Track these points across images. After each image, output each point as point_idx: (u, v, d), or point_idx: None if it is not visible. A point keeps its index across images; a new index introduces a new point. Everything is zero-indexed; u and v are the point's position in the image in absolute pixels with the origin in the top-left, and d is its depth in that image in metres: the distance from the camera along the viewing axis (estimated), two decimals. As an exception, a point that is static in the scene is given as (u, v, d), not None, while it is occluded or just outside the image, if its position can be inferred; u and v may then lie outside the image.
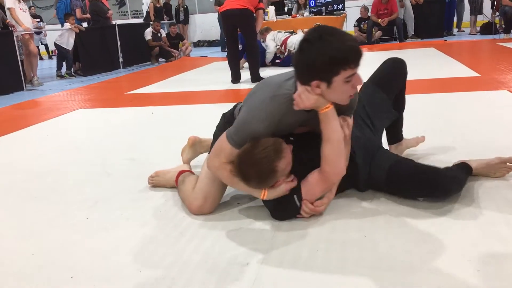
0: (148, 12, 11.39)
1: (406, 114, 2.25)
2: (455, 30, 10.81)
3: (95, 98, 5.52)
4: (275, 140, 1.65)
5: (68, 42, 8.21)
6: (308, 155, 1.73)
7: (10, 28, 6.95)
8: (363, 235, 1.63)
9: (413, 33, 10.01)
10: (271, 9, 9.39)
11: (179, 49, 10.23)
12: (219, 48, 12.04)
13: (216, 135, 1.98)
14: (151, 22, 10.01)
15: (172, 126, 3.67)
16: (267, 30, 7.14)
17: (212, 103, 4.50)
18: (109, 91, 6.10)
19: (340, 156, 1.67)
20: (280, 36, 6.96)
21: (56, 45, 8.43)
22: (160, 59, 10.00)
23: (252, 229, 1.75)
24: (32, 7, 13.51)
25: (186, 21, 13.63)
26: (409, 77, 2.16)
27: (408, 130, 2.36)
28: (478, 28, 10.25)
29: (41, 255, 1.67)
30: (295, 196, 1.71)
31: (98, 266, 1.56)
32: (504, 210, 1.73)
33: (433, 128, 2.87)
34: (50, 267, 1.58)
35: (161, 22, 10.41)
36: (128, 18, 15.33)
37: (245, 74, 5.87)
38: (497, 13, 9.38)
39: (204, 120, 3.53)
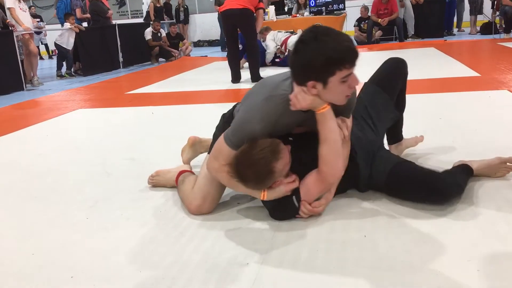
0: (148, 12, 11.38)
1: (406, 114, 2.25)
2: (455, 30, 10.81)
3: (95, 98, 5.52)
4: (272, 141, 1.64)
5: (68, 42, 8.21)
6: (307, 155, 1.72)
7: (10, 28, 6.95)
8: (363, 235, 1.63)
9: (413, 33, 10.00)
10: (271, 9, 9.39)
11: (179, 49, 10.23)
12: (219, 48, 12.04)
13: (216, 135, 1.98)
14: (151, 22, 10.01)
15: (172, 126, 3.67)
16: (267, 29, 7.14)
17: (212, 103, 4.50)
18: (109, 91, 6.10)
19: (338, 156, 1.67)
20: (280, 36, 6.95)
21: (56, 45, 8.43)
22: (160, 59, 10.00)
23: (252, 229, 1.75)
24: (32, 7, 13.51)
25: (186, 21, 13.63)
26: (409, 77, 2.16)
27: (408, 130, 2.36)
28: (478, 28, 10.24)
29: (41, 255, 1.67)
30: (293, 196, 1.71)
31: (98, 266, 1.56)
32: (504, 210, 1.73)
33: (433, 128, 2.87)
34: (50, 267, 1.58)
35: (161, 22, 10.41)
36: (128, 18, 15.33)
37: (245, 74, 5.87)
38: (497, 13, 9.38)
39: (204, 120, 3.53)
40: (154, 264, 1.55)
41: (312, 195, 1.73)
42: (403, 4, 9.72)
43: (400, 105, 2.17)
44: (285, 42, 6.84)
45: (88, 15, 9.49)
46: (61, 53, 8.47)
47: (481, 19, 10.38)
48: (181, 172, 2.14)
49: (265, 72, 5.73)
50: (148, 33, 9.72)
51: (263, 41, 7.02)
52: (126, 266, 1.55)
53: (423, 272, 1.38)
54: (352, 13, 10.29)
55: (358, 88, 2.15)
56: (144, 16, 11.67)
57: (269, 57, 6.93)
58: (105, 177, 2.50)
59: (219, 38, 12.64)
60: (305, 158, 1.73)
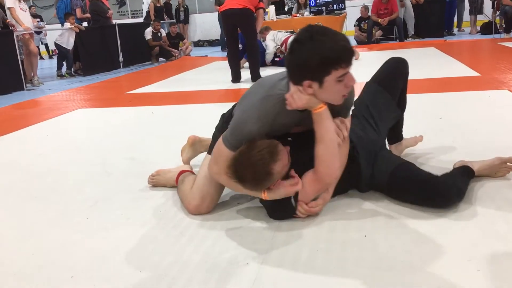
0: (148, 12, 11.38)
1: (406, 114, 2.24)
2: (455, 29, 10.80)
3: (95, 98, 5.52)
4: (270, 142, 1.64)
5: (68, 42, 8.22)
6: (305, 154, 1.72)
7: (10, 28, 6.95)
8: (363, 235, 1.63)
9: (413, 33, 10.00)
10: (271, 9, 9.39)
11: (179, 49, 10.23)
12: (219, 48, 12.03)
13: (215, 136, 1.98)
14: (151, 22, 10.01)
15: (172, 125, 3.67)
16: (267, 29, 7.14)
17: (212, 102, 4.50)
18: (109, 91, 6.10)
19: (334, 156, 1.66)
20: (280, 36, 6.95)
21: (56, 44, 8.43)
22: (160, 59, 10.00)
23: (252, 229, 1.75)
24: (32, 7, 13.50)
25: (186, 21, 13.63)
26: (409, 76, 2.16)
27: (408, 130, 2.36)
28: (478, 28, 10.24)
29: (41, 255, 1.67)
30: (291, 196, 1.71)
31: (98, 266, 1.56)
32: (504, 210, 1.73)
33: (433, 127, 2.87)
34: (50, 267, 1.58)
35: (161, 21, 10.41)
36: (128, 18, 15.33)
37: (245, 73, 5.87)
38: (498, 13, 9.37)
39: (204, 119, 3.53)
40: (154, 264, 1.55)
41: (309, 195, 1.73)
42: (403, 4, 9.72)
43: (401, 105, 2.17)
44: (285, 42, 6.83)
45: (88, 15, 9.49)
46: (61, 53, 8.47)
47: (481, 19, 10.38)
48: (181, 172, 2.14)
49: (265, 72, 5.72)
50: (148, 33, 9.72)
51: (263, 41, 7.02)
52: (126, 266, 1.55)
53: (423, 272, 1.38)
54: (352, 13, 10.29)
55: (360, 88, 2.16)
56: (144, 16, 11.66)
57: (268, 57, 6.93)
58: (105, 177, 2.50)
59: (219, 38, 12.63)
60: (304, 158, 1.72)
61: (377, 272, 1.40)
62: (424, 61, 6.18)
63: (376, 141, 1.99)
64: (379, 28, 9.59)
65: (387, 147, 2.24)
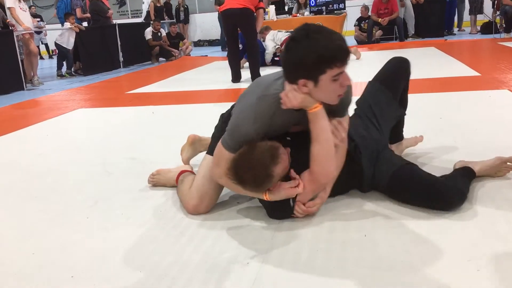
0: (148, 12, 11.38)
1: (406, 113, 2.24)
2: (455, 29, 10.80)
3: (95, 98, 5.52)
4: (271, 145, 1.64)
5: (69, 42, 8.22)
6: (305, 154, 1.72)
7: (10, 28, 6.95)
8: (363, 235, 1.63)
9: (413, 33, 10.00)
10: (272, 9, 9.38)
11: (180, 49, 10.23)
12: (219, 48, 12.03)
13: (215, 136, 1.98)
14: (151, 22, 10.01)
15: (173, 125, 3.67)
16: (266, 29, 7.13)
17: (212, 102, 4.50)
18: (109, 91, 6.10)
19: (329, 157, 1.66)
20: (280, 35, 6.95)
21: (56, 44, 8.43)
22: (161, 59, 10.00)
23: (252, 228, 1.75)
24: (32, 7, 13.50)
25: (186, 21, 13.63)
26: (410, 76, 2.16)
27: (408, 130, 2.35)
28: (478, 28, 10.24)
29: (41, 255, 1.67)
30: None
31: (98, 266, 1.56)
32: (504, 210, 1.73)
33: (433, 127, 2.87)
34: (50, 267, 1.58)
35: (161, 21, 10.40)
36: (129, 18, 15.32)
37: (246, 73, 5.87)
38: (498, 13, 9.37)
39: (205, 119, 3.52)
40: (154, 264, 1.55)
41: (306, 196, 1.72)
42: (404, 4, 9.72)
43: (402, 104, 2.17)
44: (285, 41, 6.83)
45: (88, 15, 9.49)
46: (61, 53, 8.47)
47: (481, 19, 10.37)
48: (181, 172, 2.14)
49: (265, 72, 5.67)
50: (148, 32, 9.72)
51: (263, 41, 7.02)
52: (126, 266, 1.55)
53: (423, 272, 1.38)
54: (352, 13, 10.29)
55: (362, 87, 2.16)
56: (144, 16, 11.66)
57: (268, 57, 6.93)
58: (105, 177, 2.50)
59: (219, 38, 12.63)
60: (303, 158, 1.72)
61: (377, 272, 1.40)
62: (424, 61, 6.17)
63: (379, 140, 1.99)
64: (379, 28, 9.59)
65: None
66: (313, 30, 1.51)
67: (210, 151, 1.91)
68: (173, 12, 13.02)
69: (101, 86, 6.65)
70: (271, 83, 1.66)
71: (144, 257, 1.60)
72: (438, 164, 2.21)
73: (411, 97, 2.24)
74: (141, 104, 4.73)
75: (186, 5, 13.61)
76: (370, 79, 2.18)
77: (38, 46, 8.96)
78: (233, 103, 2.04)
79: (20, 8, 7.07)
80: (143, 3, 11.86)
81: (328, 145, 1.64)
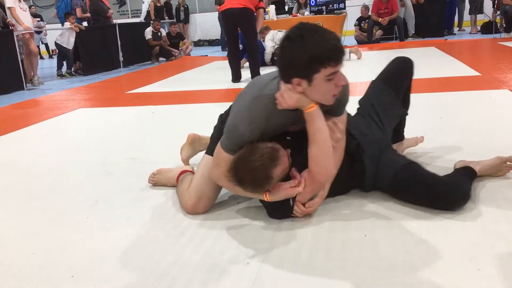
0: (148, 11, 11.38)
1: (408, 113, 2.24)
2: (455, 29, 10.80)
3: (95, 98, 5.52)
4: (271, 147, 1.64)
5: (69, 42, 8.21)
6: (305, 153, 1.71)
7: (11, 28, 6.95)
8: (363, 234, 1.63)
9: (413, 32, 10.00)
10: (272, 8, 9.38)
11: (180, 49, 10.23)
12: (219, 48, 12.03)
13: (214, 136, 1.97)
14: (152, 21, 10.01)
15: (173, 125, 3.67)
16: (266, 29, 7.13)
17: (212, 102, 4.50)
18: (109, 91, 6.10)
19: (327, 156, 1.66)
20: (280, 35, 6.93)
21: (56, 44, 8.43)
22: (161, 59, 10.00)
23: (252, 228, 1.75)
24: (33, 6, 13.49)
25: (186, 20, 13.63)
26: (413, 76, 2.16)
27: (408, 129, 2.35)
28: (478, 27, 10.24)
29: (41, 255, 1.67)
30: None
31: (98, 266, 1.56)
32: (504, 209, 1.73)
33: (434, 127, 2.87)
34: (50, 267, 1.58)
35: (161, 21, 10.40)
36: (129, 18, 15.32)
37: (246, 73, 5.87)
38: (498, 12, 9.36)
39: (205, 119, 3.51)
40: (154, 264, 1.55)
41: (305, 195, 1.72)
42: (404, 4, 9.72)
43: (405, 104, 2.17)
44: (282, 41, 6.81)
45: (88, 15, 9.49)
46: (61, 53, 8.47)
47: (481, 19, 10.37)
48: (182, 172, 2.14)
49: (265, 72, 5.70)
50: (148, 32, 9.72)
51: (263, 41, 7.02)
52: (126, 266, 1.55)
53: (423, 272, 1.37)
54: (352, 13, 10.28)
55: (364, 87, 2.15)
56: (144, 16, 11.65)
57: (267, 57, 6.93)
58: (106, 177, 2.50)
59: (219, 38, 12.63)
60: (303, 157, 1.72)
61: (377, 272, 1.39)
62: (425, 60, 6.17)
63: (382, 139, 1.98)
64: (380, 28, 9.59)
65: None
66: (308, 29, 1.51)
67: (209, 152, 1.91)
68: (173, 11, 13.01)
69: (101, 86, 6.65)
70: (267, 83, 1.66)
71: (144, 257, 1.60)
72: (438, 164, 2.21)
73: (412, 97, 2.24)
74: (141, 104, 4.73)
75: (186, 5, 13.61)
76: (371, 79, 2.18)
77: (38, 46, 8.96)
78: (232, 103, 2.04)
79: (20, 8, 7.07)
80: (143, 2, 11.85)
81: (326, 145, 1.64)
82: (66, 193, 2.30)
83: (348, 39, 9.74)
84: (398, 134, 2.29)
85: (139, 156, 2.81)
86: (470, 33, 10.35)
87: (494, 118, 3.01)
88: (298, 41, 1.49)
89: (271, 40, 6.92)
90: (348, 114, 2.06)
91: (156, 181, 2.25)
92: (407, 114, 2.18)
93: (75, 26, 8.15)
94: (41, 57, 12.54)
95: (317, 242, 1.60)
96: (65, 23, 8.45)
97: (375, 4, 9.63)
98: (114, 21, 9.70)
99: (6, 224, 1.99)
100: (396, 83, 2.10)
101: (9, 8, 6.94)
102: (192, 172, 2.16)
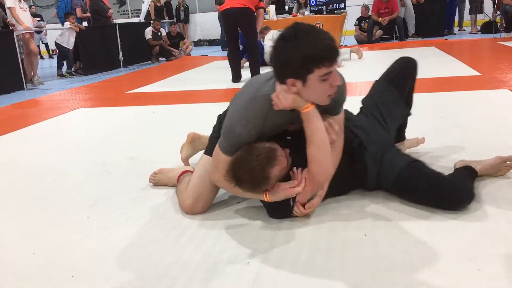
0: (148, 11, 11.38)
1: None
2: (455, 29, 10.79)
3: (95, 97, 5.52)
4: (268, 147, 1.65)
5: (69, 41, 8.21)
6: (304, 153, 1.71)
7: (11, 27, 6.95)
8: (363, 234, 1.63)
9: (413, 32, 9.99)
10: (272, 8, 9.37)
11: (180, 48, 10.23)
12: (219, 47, 12.03)
13: (212, 137, 1.97)
14: (152, 21, 10.01)
15: (173, 125, 3.67)
16: (266, 29, 7.13)
17: (212, 102, 4.50)
18: (109, 90, 6.10)
19: (326, 156, 1.65)
20: (280, 35, 6.93)
21: (56, 44, 8.43)
22: (161, 58, 10.00)
23: (252, 228, 1.75)
24: (33, 6, 13.50)
25: (186, 20, 13.63)
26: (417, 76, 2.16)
27: (409, 129, 2.35)
28: (479, 27, 10.24)
29: (41, 255, 1.67)
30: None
31: (98, 266, 1.56)
32: (504, 209, 1.73)
33: (434, 127, 2.87)
34: (50, 266, 1.58)
35: (161, 21, 10.39)
36: (129, 17, 15.32)
37: (246, 73, 5.87)
38: (498, 12, 9.36)
39: (205, 119, 3.51)
40: (154, 264, 1.55)
41: (305, 195, 1.72)
42: (404, 3, 9.71)
43: (407, 104, 2.17)
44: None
45: (88, 14, 9.49)
46: (61, 52, 8.47)
47: (481, 18, 10.37)
48: (183, 172, 2.14)
49: (265, 71, 5.72)
50: (148, 32, 9.72)
51: (263, 41, 7.01)
52: (126, 266, 1.55)
53: (423, 272, 1.37)
54: (352, 12, 10.28)
55: (363, 86, 2.15)
56: (144, 16, 11.64)
57: (267, 57, 6.92)
58: (106, 177, 2.50)
59: (219, 38, 12.63)
60: (303, 157, 1.72)
61: (377, 272, 1.39)
62: (425, 60, 6.16)
63: (385, 139, 1.98)
64: (380, 28, 9.59)
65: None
66: (302, 30, 1.50)
67: (208, 152, 1.91)
68: (173, 11, 13.01)
69: (101, 85, 6.65)
70: (262, 84, 1.66)
71: (144, 257, 1.60)
72: (438, 164, 2.21)
73: (412, 97, 2.24)
74: (141, 103, 4.73)
75: (186, 5, 13.61)
76: (371, 78, 2.18)
77: (38, 46, 8.96)
78: (229, 104, 2.04)
79: (20, 8, 7.08)
80: (143, 2, 11.85)
81: (324, 145, 1.64)
82: (66, 193, 2.30)
83: (348, 39, 9.74)
84: (399, 134, 2.29)
85: (139, 156, 2.81)
86: (470, 33, 10.35)
87: (494, 118, 3.01)
88: (293, 41, 1.49)
89: (271, 40, 6.91)
90: (351, 113, 2.06)
91: (157, 181, 2.25)
92: (410, 114, 2.18)
93: (75, 26, 8.15)
94: (41, 57, 12.54)
95: (317, 242, 1.60)
96: (65, 23, 8.45)
97: (375, 4, 9.63)
98: (114, 21, 9.69)
99: (6, 224, 1.99)
100: (400, 83, 2.09)
101: (9, 8, 6.94)
102: (193, 172, 2.16)
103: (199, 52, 11.25)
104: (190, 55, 10.31)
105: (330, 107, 1.68)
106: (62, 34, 8.29)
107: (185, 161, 2.37)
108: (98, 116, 4.38)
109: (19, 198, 2.29)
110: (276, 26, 7.91)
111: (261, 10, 5.72)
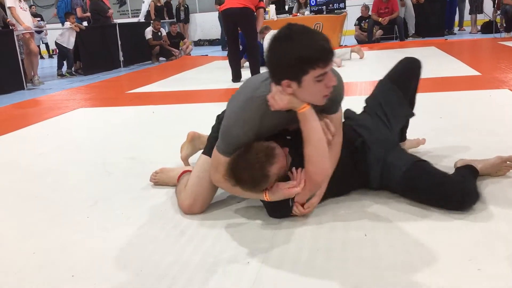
0: (148, 11, 11.38)
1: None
2: (456, 28, 10.79)
3: (95, 97, 5.52)
4: (267, 145, 1.65)
5: (69, 41, 8.21)
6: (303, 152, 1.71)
7: (11, 27, 6.95)
8: (363, 234, 1.63)
9: (414, 32, 9.99)
10: (272, 8, 9.38)
11: (180, 48, 10.23)
12: (219, 47, 12.04)
13: (211, 137, 1.97)
14: (152, 21, 10.01)
15: (173, 125, 3.67)
16: (266, 28, 7.12)
17: (212, 102, 4.50)
18: (109, 90, 6.10)
19: (323, 156, 1.65)
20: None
21: (56, 44, 8.43)
22: (161, 58, 10.00)
23: (252, 228, 1.75)
24: (33, 6, 13.51)
25: (186, 20, 13.63)
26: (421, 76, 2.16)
27: (409, 129, 2.35)
28: (479, 27, 10.23)
29: (41, 255, 1.67)
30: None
31: (98, 266, 1.56)
32: (505, 209, 1.72)
33: (434, 127, 2.87)
34: (50, 266, 1.58)
35: (161, 21, 10.39)
36: (129, 17, 15.32)
37: (246, 73, 5.87)
38: (498, 12, 9.36)
39: (205, 119, 3.51)
40: (154, 264, 1.55)
41: (304, 196, 1.72)
42: (404, 3, 9.71)
43: (411, 105, 2.16)
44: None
45: (88, 14, 9.49)
46: (61, 52, 8.47)
47: (481, 18, 10.37)
48: (183, 172, 2.14)
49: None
50: (148, 32, 9.72)
51: (263, 41, 7.01)
52: (126, 265, 1.55)
53: (423, 272, 1.37)
54: (352, 12, 10.28)
55: (364, 86, 2.15)
56: (144, 16, 11.63)
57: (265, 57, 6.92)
58: (106, 177, 2.50)
59: (219, 37, 12.63)
60: (302, 157, 1.72)
61: (377, 272, 1.39)
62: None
63: (389, 138, 1.98)
64: (380, 28, 9.59)
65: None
66: (296, 31, 1.50)
67: (206, 151, 1.91)
68: (174, 11, 13.01)
69: (101, 85, 6.65)
70: (259, 85, 1.66)
71: (144, 257, 1.60)
72: (438, 163, 2.21)
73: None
74: (141, 103, 4.73)
75: (187, 5, 13.61)
76: (371, 78, 2.19)
77: (38, 46, 8.96)
78: (226, 105, 2.04)
79: (21, 8, 7.08)
80: (143, 2, 11.85)
81: (321, 145, 1.64)
82: (66, 193, 2.30)
83: (348, 39, 9.74)
84: (401, 135, 2.29)
85: (139, 156, 2.81)
86: (470, 32, 10.35)
87: (494, 118, 3.01)
88: (287, 43, 1.49)
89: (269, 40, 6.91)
90: (354, 112, 2.06)
91: (158, 180, 2.25)
92: (413, 114, 2.17)
93: (75, 25, 8.15)
94: (41, 57, 12.54)
95: (317, 242, 1.60)
96: (66, 22, 8.45)
97: (375, 3, 9.63)
98: (115, 20, 9.70)
99: (6, 224, 1.99)
100: (404, 83, 2.09)
101: (9, 7, 6.94)
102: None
103: (199, 52, 11.25)
104: (190, 55, 10.32)
105: (327, 106, 1.68)
106: (62, 34, 8.29)
107: (185, 160, 2.37)
108: (98, 116, 4.38)
109: (19, 198, 2.29)
110: (276, 26, 7.89)
111: (261, 10, 5.72)
